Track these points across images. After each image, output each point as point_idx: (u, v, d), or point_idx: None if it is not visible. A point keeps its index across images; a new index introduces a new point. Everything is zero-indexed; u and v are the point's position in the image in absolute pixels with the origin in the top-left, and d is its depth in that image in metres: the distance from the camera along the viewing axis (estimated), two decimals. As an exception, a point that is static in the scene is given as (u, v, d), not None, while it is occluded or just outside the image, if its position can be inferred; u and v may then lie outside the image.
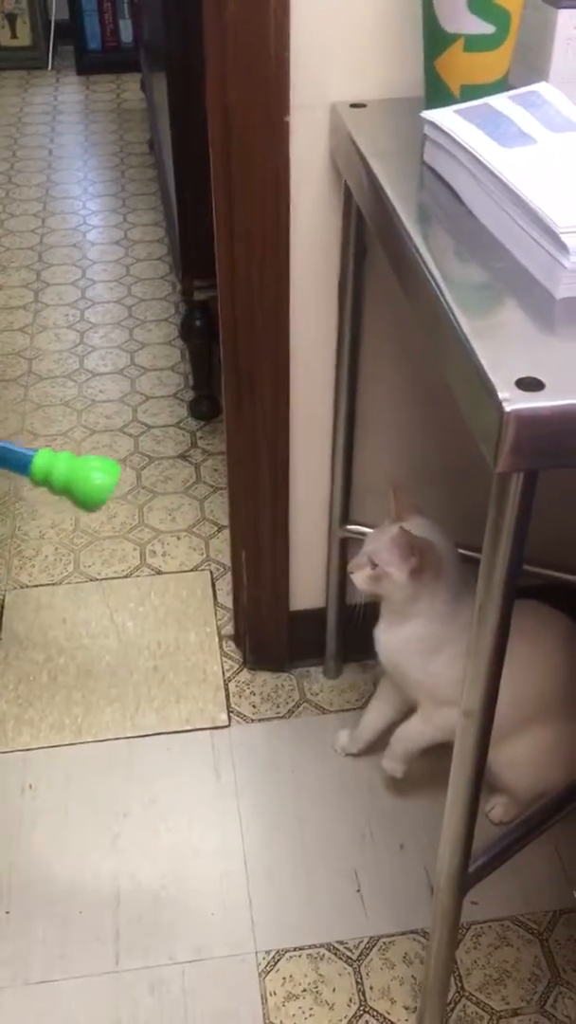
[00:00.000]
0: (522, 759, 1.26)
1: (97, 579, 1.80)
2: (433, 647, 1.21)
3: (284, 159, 1.14)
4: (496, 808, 1.36)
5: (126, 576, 1.81)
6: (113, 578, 1.81)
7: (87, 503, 0.95)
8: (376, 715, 1.42)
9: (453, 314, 0.73)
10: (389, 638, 1.28)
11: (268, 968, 1.24)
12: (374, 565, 1.19)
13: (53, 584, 1.79)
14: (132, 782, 1.46)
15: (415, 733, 1.31)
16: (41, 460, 0.93)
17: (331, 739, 1.51)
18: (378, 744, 1.47)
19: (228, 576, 1.78)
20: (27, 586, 1.79)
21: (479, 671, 0.83)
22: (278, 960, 1.25)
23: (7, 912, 1.30)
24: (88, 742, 1.51)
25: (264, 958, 1.25)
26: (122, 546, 1.88)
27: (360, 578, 1.21)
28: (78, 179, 3.38)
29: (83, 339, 2.47)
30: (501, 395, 0.65)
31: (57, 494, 0.95)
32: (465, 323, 0.72)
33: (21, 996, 1.21)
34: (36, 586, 1.79)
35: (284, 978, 1.23)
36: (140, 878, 1.34)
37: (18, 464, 0.94)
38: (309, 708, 1.57)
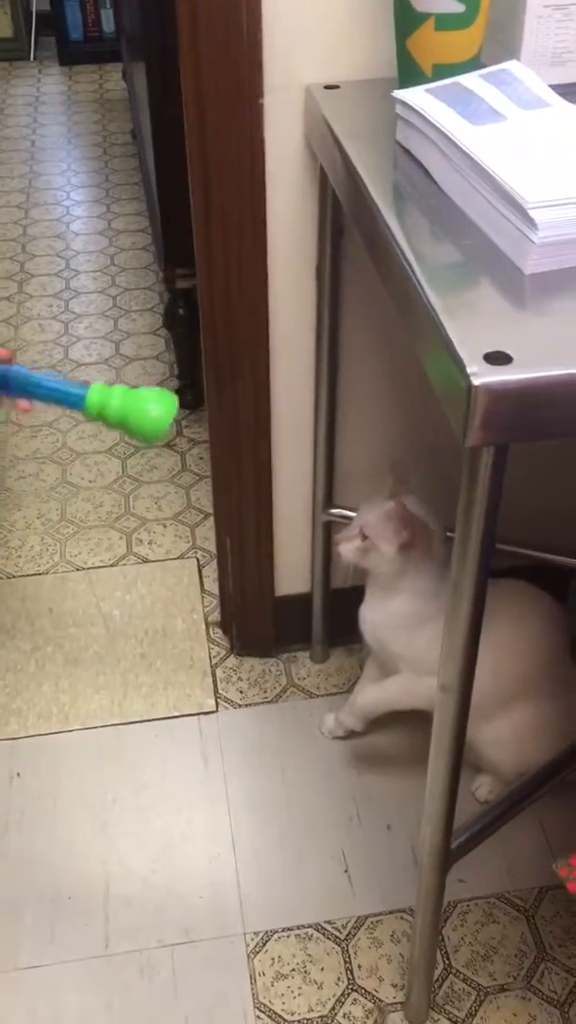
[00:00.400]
0: (506, 738, 1.27)
1: (83, 568, 1.80)
2: (417, 623, 1.22)
3: (259, 142, 1.14)
4: (482, 787, 1.37)
5: (112, 565, 1.81)
6: (100, 567, 1.81)
7: (143, 436, 0.93)
8: (364, 692, 1.42)
9: (423, 291, 0.73)
10: (374, 615, 1.28)
11: (257, 949, 1.25)
12: (364, 537, 1.20)
13: (39, 574, 1.79)
14: (120, 769, 1.46)
15: (388, 694, 1.32)
16: (95, 396, 0.92)
17: (318, 723, 1.51)
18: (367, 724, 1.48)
19: (214, 563, 1.78)
20: (13, 576, 1.79)
21: (455, 647, 0.84)
22: (267, 941, 1.26)
23: (-3, 899, 1.30)
24: (76, 730, 1.52)
25: (253, 939, 1.26)
26: (108, 535, 1.88)
27: (348, 549, 1.22)
28: (61, 170, 3.37)
29: (68, 329, 2.46)
30: (469, 369, 0.65)
31: (112, 429, 0.94)
32: (435, 300, 0.72)
33: (12, 981, 1.22)
34: (22, 576, 1.79)
35: (273, 958, 1.24)
36: (129, 863, 1.34)
37: (72, 401, 0.93)
38: (296, 692, 1.58)
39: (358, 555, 1.21)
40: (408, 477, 1.23)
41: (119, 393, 0.92)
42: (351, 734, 1.48)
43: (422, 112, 0.87)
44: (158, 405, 0.92)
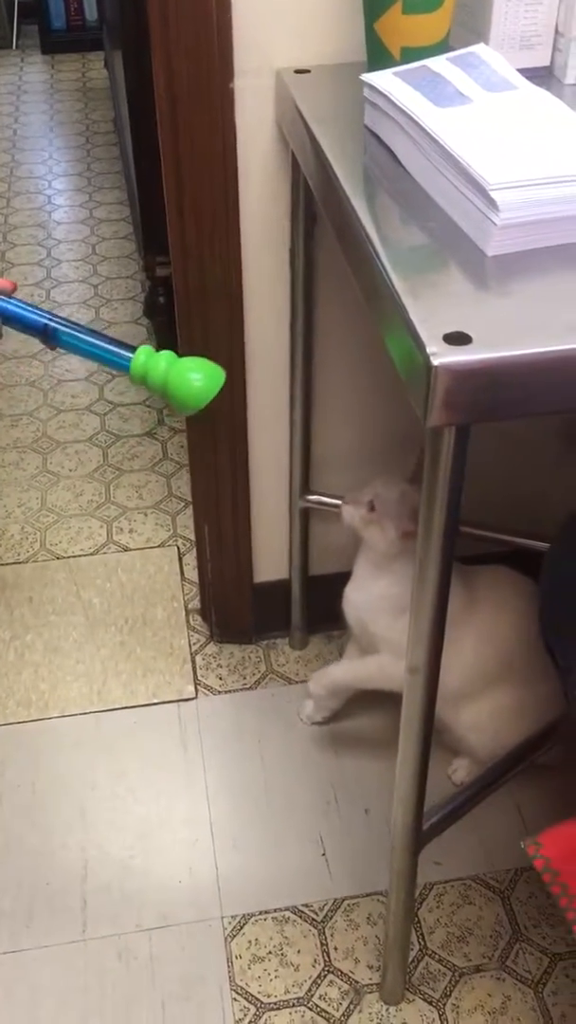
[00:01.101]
0: (484, 721, 1.28)
1: (64, 557, 1.80)
2: (400, 607, 1.22)
3: (231, 128, 1.14)
4: (459, 770, 1.38)
5: (93, 553, 1.81)
6: (80, 555, 1.81)
7: (182, 405, 0.91)
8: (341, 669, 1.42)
9: (386, 273, 0.74)
10: (358, 595, 1.29)
11: (234, 932, 1.26)
12: (372, 509, 1.20)
13: (19, 563, 1.79)
14: (99, 756, 1.47)
15: (365, 672, 1.32)
16: (140, 359, 0.90)
17: (297, 709, 1.52)
18: (342, 712, 1.48)
19: (194, 551, 1.78)
20: (-7, 565, 1.79)
21: (422, 630, 0.84)
22: (244, 924, 1.26)
23: (-25, 885, 1.31)
24: (55, 717, 1.52)
25: (230, 922, 1.27)
26: (89, 524, 1.88)
27: (351, 513, 1.22)
28: (43, 159, 3.35)
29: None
30: (429, 349, 0.66)
31: (154, 393, 0.93)
32: (398, 281, 0.72)
33: (-11, 966, 1.23)
34: (2, 564, 1.79)
35: (250, 941, 1.25)
36: (108, 849, 1.35)
37: (118, 363, 0.92)
38: (275, 679, 1.59)
39: (360, 523, 1.22)
40: None
41: (164, 358, 0.90)
42: (328, 720, 1.49)
43: (389, 95, 0.88)
44: (201, 375, 0.91)
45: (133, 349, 0.92)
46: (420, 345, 0.66)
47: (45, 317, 0.93)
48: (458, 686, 1.24)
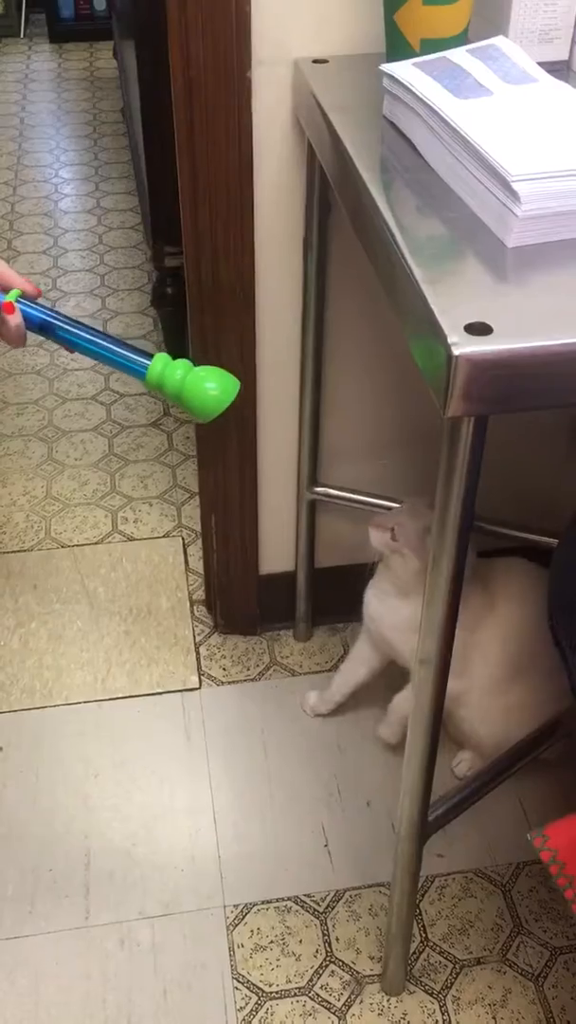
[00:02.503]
0: (496, 714, 1.27)
1: (68, 545, 1.80)
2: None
3: (247, 116, 1.14)
4: (462, 763, 1.38)
5: (98, 543, 1.81)
6: (84, 544, 1.81)
7: (196, 412, 0.93)
8: (348, 676, 1.43)
9: (406, 262, 0.74)
10: (384, 611, 1.28)
11: (236, 921, 1.26)
12: (395, 537, 1.19)
13: (24, 551, 1.79)
14: (103, 744, 1.47)
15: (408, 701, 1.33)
16: (157, 366, 0.91)
17: (300, 700, 1.52)
18: (346, 705, 1.49)
19: (200, 542, 1.78)
20: (-2, 553, 1.79)
21: (434, 621, 0.84)
22: (246, 913, 1.27)
23: (-22, 871, 1.31)
24: (59, 705, 1.52)
25: (232, 911, 1.27)
26: (94, 513, 1.88)
27: (377, 538, 1.20)
28: (50, 147, 3.35)
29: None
30: (450, 339, 0.66)
31: (170, 400, 0.95)
32: (417, 271, 0.72)
33: (-8, 952, 1.23)
34: (6, 552, 1.79)
35: (252, 930, 1.25)
36: (111, 836, 1.35)
37: (135, 370, 0.93)
38: (279, 670, 1.59)
39: (385, 548, 1.20)
40: None
41: (180, 367, 0.92)
42: (333, 712, 1.49)
43: (409, 85, 0.87)
44: (216, 384, 0.92)
45: (150, 356, 0.93)
46: (441, 335, 0.66)
47: (65, 322, 0.95)
48: (479, 681, 1.24)
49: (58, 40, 4.26)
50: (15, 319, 0.92)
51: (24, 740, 1.47)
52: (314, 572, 1.56)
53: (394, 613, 1.26)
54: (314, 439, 1.41)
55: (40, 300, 0.95)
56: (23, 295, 0.93)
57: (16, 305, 0.92)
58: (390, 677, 1.41)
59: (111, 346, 0.94)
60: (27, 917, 1.26)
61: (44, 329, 0.94)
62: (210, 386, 0.92)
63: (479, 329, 0.66)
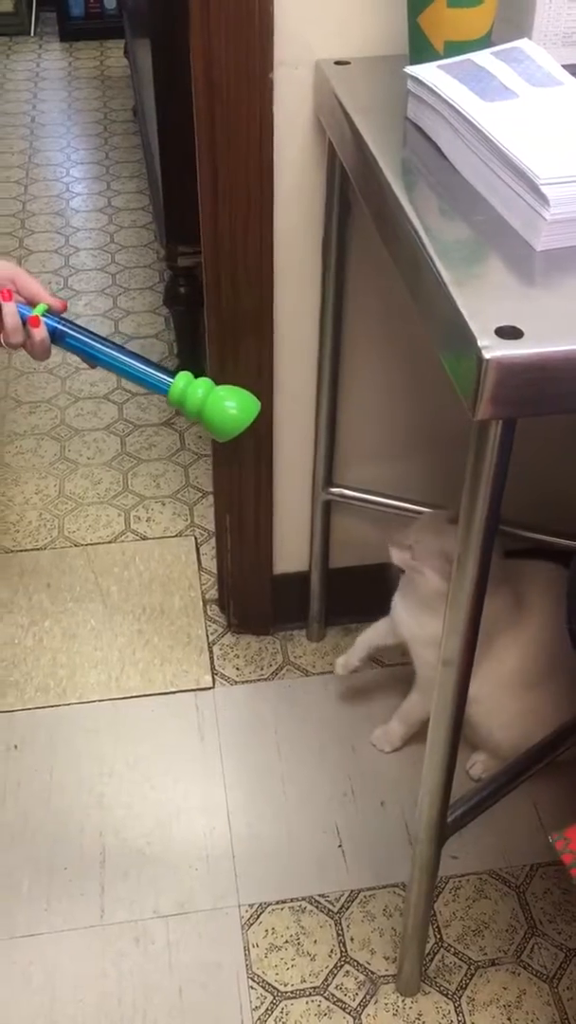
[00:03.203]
0: (515, 718, 1.27)
1: (81, 544, 1.81)
2: None
3: (268, 117, 1.14)
4: (477, 764, 1.38)
5: (110, 541, 1.82)
6: (98, 543, 1.81)
7: (216, 431, 0.95)
8: (375, 634, 1.40)
9: (434, 265, 0.74)
10: (412, 624, 1.27)
11: (251, 920, 1.26)
12: (414, 556, 1.18)
13: (37, 549, 1.80)
14: (117, 742, 1.47)
15: (417, 707, 1.34)
16: (179, 385, 0.93)
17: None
18: (359, 704, 1.49)
19: (212, 541, 1.79)
20: (11, 551, 1.79)
21: (458, 622, 0.84)
22: (261, 913, 1.27)
23: (-7, 868, 1.31)
24: (73, 703, 1.52)
25: (247, 911, 1.27)
26: (106, 512, 1.88)
27: (397, 556, 1.20)
28: (61, 146, 3.35)
29: (67, 307, 2.45)
30: (481, 343, 0.66)
31: (190, 418, 0.95)
32: (446, 274, 0.73)
33: (7, 949, 1.23)
34: (20, 551, 1.79)
35: (267, 930, 1.25)
36: (125, 835, 1.35)
37: (157, 387, 0.95)
38: (292, 670, 1.59)
39: (404, 566, 1.19)
40: None
41: (202, 386, 0.93)
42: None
43: (434, 88, 0.88)
44: (236, 404, 0.94)
45: (172, 374, 0.95)
46: (471, 338, 0.66)
47: (91, 338, 0.97)
48: (504, 685, 1.24)
49: (68, 39, 4.26)
50: (40, 333, 0.93)
51: (38, 738, 1.47)
52: (328, 572, 1.56)
53: (420, 628, 1.25)
54: (330, 439, 1.41)
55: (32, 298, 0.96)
56: (49, 309, 0.94)
57: (42, 319, 0.93)
58: (407, 684, 1.41)
59: (134, 362, 0.97)
60: (42, 915, 1.27)
61: (69, 344, 0.96)
62: (230, 405, 0.94)
63: (510, 333, 0.66)
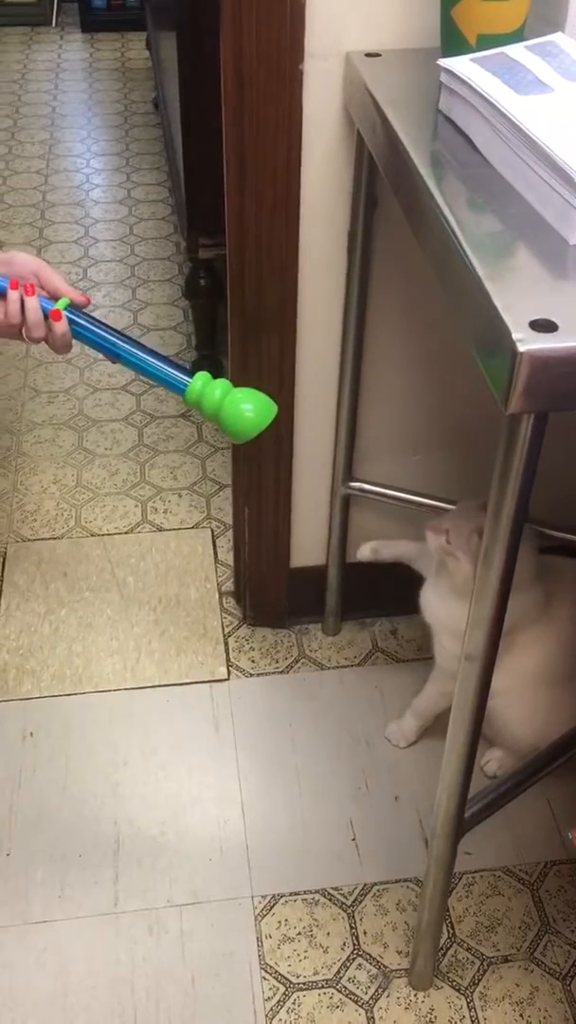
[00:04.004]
0: (533, 715, 1.27)
1: (98, 534, 1.81)
2: None
3: (297, 109, 1.14)
4: (491, 762, 1.38)
5: (127, 532, 1.82)
6: (115, 534, 1.82)
7: (232, 433, 0.95)
8: (407, 546, 1.38)
9: (467, 257, 0.73)
10: (442, 614, 1.27)
11: (264, 912, 1.26)
12: (449, 540, 1.19)
13: (54, 538, 1.80)
14: (132, 732, 1.48)
15: (431, 701, 1.35)
16: (196, 385, 0.94)
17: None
18: (374, 700, 1.49)
19: (229, 534, 1.79)
20: (28, 540, 1.79)
21: (482, 616, 0.84)
22: (274, 904, 1.27)
23: (8, 854, 1.32)
24: (88, 692, 1.53)
25: (260, 902, 1.27)
26: (123, 503, 1.88)
27: (433, 540, 1.20)
28: (81, 137, 3.35)
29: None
30: (515, 336, 0.65)
31: (206, 419, 0.96)
32: (479, 266, 0.72)
33: (21, 935, 1.24)
34: (37, 540, 1.80)
35: (280, 921, 1.25)
36: (139, 824, 1.36)
37: (176, 386, 0.95)
38: (307, 664, 1.59)
39: (439, 551, 1.19)
40: None
41: (220, 387, 0.94)
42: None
43: (468, 81, 0.87)
44: (253, 407, 0.94)
45: (190, 374, 0.95)
46: (505, 331, 0.66)
47: (111, 334, 0.97)
48: (529, 681, 1.24)
49: (90, 30, 4.26)
50: (61, 327, 0.94)
51: (54, 726, 1.48)
52: (345, 567, 1.56)
53: (448, 616, 1.25)
54: (351, 433, 1.41)
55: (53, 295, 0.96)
56: (71, 304, 0.95)
57: (64, 313, 0.94)
58: (422, 679, 1.41)
59: (154, 360, 0.97)
60: (56, 902, 1.27)
61: (90, 339, 0.96)
62: (247, 408, 0.94)
63: (544, 326, 0.66)
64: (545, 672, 1.23)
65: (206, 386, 0.94)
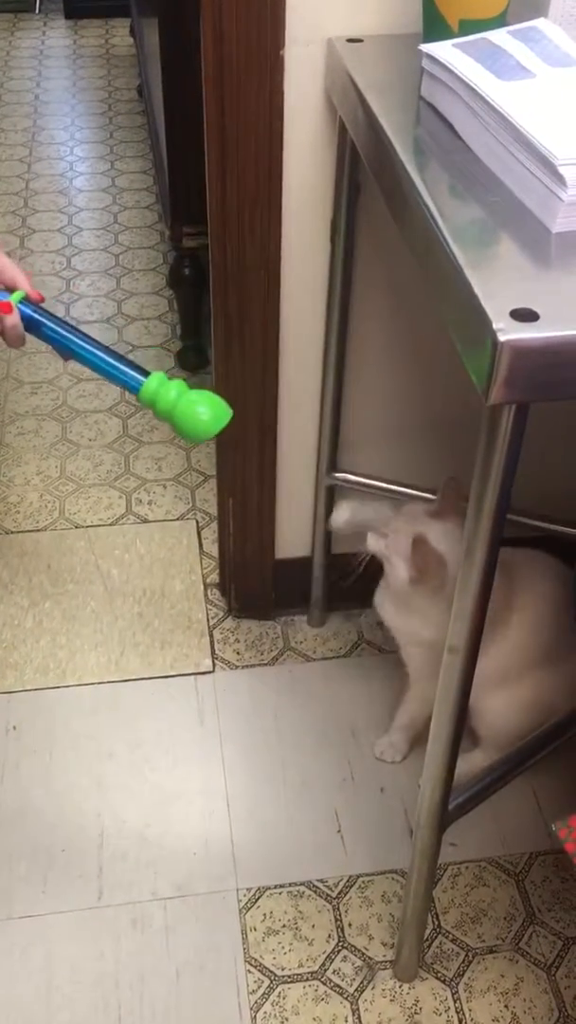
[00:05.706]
0: (515, 706, 1.27)
1: (82, 526, 1.80)
2: (431, 646, 1.21)
3: (278, 95, 1.12)
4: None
5: (112, 524, 1.81)
6: (99, 525, 1.80)
7: (186, 434, 0.95)
8: (381, 508, 1.37)
9: (448, 245, 0.73)
10: (392, 615, 1.27)
11: (249, 904, 1.26)
12: (387, 544, 1.17)
13: (38, 530, 1.79)
14: (116, 725, 1.47)
15: (415, 712, 1.35)
16: (151, 385, 0.93)
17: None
18: (359, 691, 1.48)
19: (214, 525, 1.78)
20: (11, 532, 1.78)
21: (465, 608, 0.84)
22: (259, 897, 1.27)
23: (-9, 849, 1.31)
24: (72, 685, 1.52)
25: (245, 895, 1.27)
26: (108, 494, 1.87)
27: (372, 542, 1.19)
28: (65, 125, 3.32)
29: (69, 287, 2.44)
30: (496, 325, 0.65)
31: (160, 419, 0.95)
32: (460, 254, 0.71)
33: (4, 929, 1.23)
34: (20, 532, 1.78)
35: (264, 914, 1.25)
36: (124, 817, 1.35)
37: (130, 385, 0.95)
38: (293, 656, 1.58)
39: (377, 553, 1.18)
40: (461, 497, 1.15)
41: (175, 387, 0.93)
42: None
43: (450, 66, 0.86)
44: (208, 410, 0.94)
45: (146, 373, 0.94)
46: (485, 320, 0.65)
47: (67, 330, 0.96)
48: (498, 671, 1.23)
49: (73, 16, 4.22)
50: (12, 319, 0.93)
51: (38, 719, 1.47)
52: (330, 558, 1.55)
53: (401, 621, 1.25)
54: (335, 424, 1.40)
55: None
56: (26, 298, 0.94)
57: (16, 306, 0.92)
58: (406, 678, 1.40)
59: (108, 358, 0.96)
60: (40, 896, 1.26)
61: (44, 334, 0.96)
62: (201, 411, 0.94)
63: (525, 315, 0.65)
64: (520, 665, 1.23)
65: (161, 386, 0.93)
